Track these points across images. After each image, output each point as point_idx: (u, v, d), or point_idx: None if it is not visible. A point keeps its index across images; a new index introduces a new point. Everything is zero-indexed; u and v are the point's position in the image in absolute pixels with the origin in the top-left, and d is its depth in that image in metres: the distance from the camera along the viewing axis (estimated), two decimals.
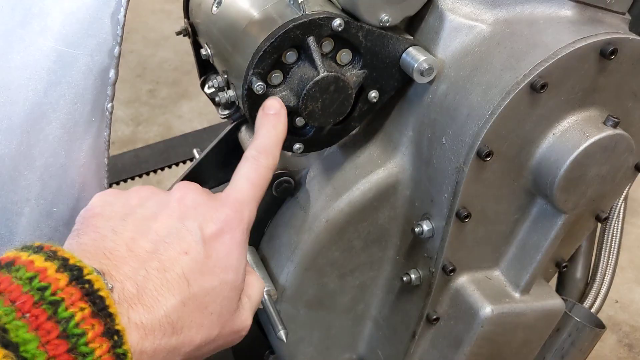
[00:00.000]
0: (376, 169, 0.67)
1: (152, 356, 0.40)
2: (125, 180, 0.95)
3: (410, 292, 0.71)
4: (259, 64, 0.56)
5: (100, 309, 0.35)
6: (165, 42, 2.75)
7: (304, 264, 0.69)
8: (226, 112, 0.79)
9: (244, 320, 0.49)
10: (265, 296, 0.69)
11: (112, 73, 0.49)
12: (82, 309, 0.34)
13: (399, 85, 0.62)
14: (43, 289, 0.34)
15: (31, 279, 0.35)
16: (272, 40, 0.55)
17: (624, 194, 0.89)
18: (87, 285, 0.35)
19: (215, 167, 0.86)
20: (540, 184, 0.60)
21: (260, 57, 0.55)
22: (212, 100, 0.81)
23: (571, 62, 0.55)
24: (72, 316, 0.34)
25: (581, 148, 0.56)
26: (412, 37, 0.61)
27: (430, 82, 0.61)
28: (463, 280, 0.67)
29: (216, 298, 0.45)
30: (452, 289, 0.68)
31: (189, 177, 0.84)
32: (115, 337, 0.35)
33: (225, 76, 0.62)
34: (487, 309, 0.65)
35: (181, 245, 0.44)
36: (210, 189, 0.88)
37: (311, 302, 0.73)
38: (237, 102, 0.62)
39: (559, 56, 0.54)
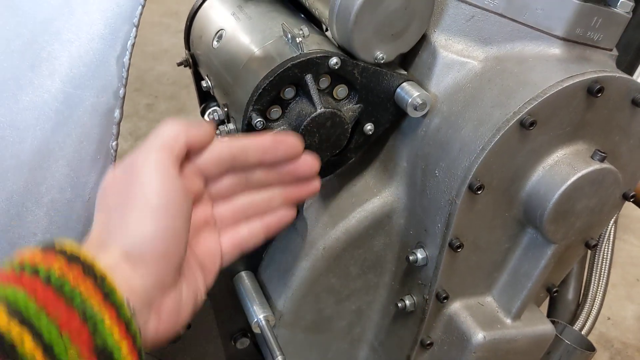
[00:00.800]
0: (372, 198, 0.69)
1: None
2: None
3: (405, 318, 0.72)
4: (258, 101, 0.58)
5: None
6: (163, 56, 2.77)
7: (302, 290, 0.71)
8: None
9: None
10: (264, 321, 0.70)
11: (117, 113, 0.51)
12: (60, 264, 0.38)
13: (393, 118, 0.64)
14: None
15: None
16: (271, 78, 0.57)
17: (614, 217, 0.91)
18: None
19: None
20: (530, 216, 0.62)
21: (260, 94, 0.57)
22: None
23: (559, 100, 0.57)
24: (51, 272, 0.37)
25: (570, 182, 0.58)
26: (406, 72, 0.63)
27: (424, 116, 0.63)
28: (456, 306, 0.69)
29: None
30: (446, 315, 0.69)
31: None
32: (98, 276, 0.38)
33: (226, 109, 0.64)
34: (479, 335, 0.67)
35: None
36: None
37: (308, 327, 0.75)
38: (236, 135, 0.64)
39: (548, 94, 0.56)
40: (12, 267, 0.38)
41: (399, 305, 0.70)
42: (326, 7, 0.59)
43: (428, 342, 0.70)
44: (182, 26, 0.78)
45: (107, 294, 0.38)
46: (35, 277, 0.37)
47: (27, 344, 0.33)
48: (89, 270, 0.38)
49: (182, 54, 0.83)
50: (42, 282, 0.36)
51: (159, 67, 2.68)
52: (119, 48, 0.50)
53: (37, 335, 0.34)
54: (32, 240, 0.52)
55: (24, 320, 0.34)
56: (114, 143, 0.52)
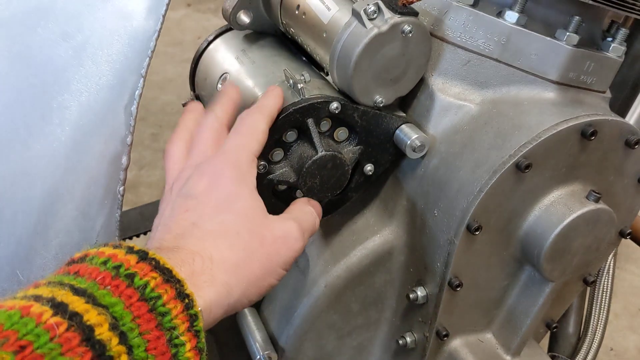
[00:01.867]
0: (372, 236, 0.70)
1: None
2: (130, 238, 0.98)
3: (406, 354, 0.73)
4: None
5: (170, 277, 0.40)
6: (168, 85, 2.80)
7: (303, 326, 0.72)
8: None
9: (282, 226, 0.53)
10: (266, 359, 0.71)
11: (124, 159, 0.53)
12: (154, 278, 0.39)
13: (393, 159, 0.66)
14: (117, 267, 0.39)
15: (105, 262, 0.40)
16: (273, 123, 0.58)
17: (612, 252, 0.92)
18: (153, 262, 0.40)
19: None
20: (527, 254, 0.63)
21: None
22: None
23: (554, 143, 0.58)
24: (146, 284, 0.39)
25: (566, 222, 0.60)
26: (404, 114, 0.65)
27: (423, 157, 0.65)
28: (456, 343, 0.70)
29: (235, 224, 0.50)
30: (446, 352, 0.70)
31: None
32: (187, 300, 0.40)
33: None
34: None
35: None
36: None
37: None
38: None
39: (542, 138, 0.58)
40: (101, 263, 0.40)
41: (400, 342, 0.71)
42: (326, 53, 0.61)
43: None
44: (187, 56, 0.80)
45: (192, 316, 0.40)
46: (130, 286, 0.38)
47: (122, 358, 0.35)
48: (180, 294, 0.40)
49: (186, 83, 0.85)
50: (137, 294, 0.38)
51: (163, 96, 2.71)
52: (126, 97, 0.51)
53: (129, 351, 0.36)
54: None
55: (122, 335, 0.36)
56: (121, 188, 0.53)
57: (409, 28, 0.58)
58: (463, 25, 0.62)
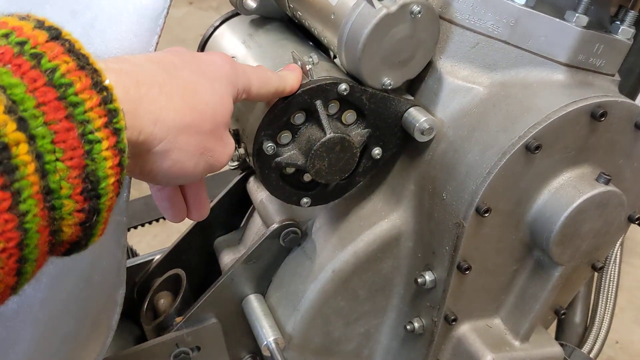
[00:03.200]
0: (380, 221, 0.70)
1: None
2: (135, 227, 0.98)
3: (413, 340, 0.73)
4: (269, 126, 0.59)
5: (86, 64, 0.34)
6: None
7: (310, 312, 0.72)
8: (235, 163, 0.82)
9: (225, 138, 0.47)
10: (273, 344, 0.71)
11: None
12: (66, 62, 0.33)
13: (401, 143, 0.66)
14: (22, 43, 0.32)
15: (7, 35, 0.33)
16: (281, 104, 0.58)
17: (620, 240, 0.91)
18: (67, 44, 0.34)
19: (224, 215, 0.89)
20: (536, 238, 0.63)
21: (270, 120, 0.59)
22: None
23: (563, 124, 0.58)
24: (56, 67, 0.32)
25: (575, 204, 0.59)
26: (412, 98, 0.65)
27: (431, 140, 0.64)
28: (465, 328, 0.70)
29: (197, 86, 0.44)
30: (454, 337, 0.70)
31: (199, 225, 0.87)
32: (105, 93, 0.34)
33: (236, 135, 0.66)
34: (488, 357, 0.67)
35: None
36: (218, 236, 0.91)
37: (317, 349, 0.75)
38: (247, 159, 0.65)
39: (552, 119, 0.57)
40: (1, 36, 0.33)
41: (408, 327, 0.71)
42: (334, 35, 0.61)
43: None
44: None
45: (111, 112, 0.34)
46: (36, 68, 0.32)
47: (21, 148, 0.30)
48: (97, 84, 0.34)
49: None
50: (44, 78, 0.32)
51: None
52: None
53: (31, 141, 0.31)
54: None
55: (20, 121, 0.30)
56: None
57: (418, 9, 0.57)
58: (472, 7, 0.61)
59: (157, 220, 0.99)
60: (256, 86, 0.52)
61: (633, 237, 1.77)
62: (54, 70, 0.32)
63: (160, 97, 0.40)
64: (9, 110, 0.29)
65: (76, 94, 0.32)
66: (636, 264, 1.71)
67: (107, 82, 0.34)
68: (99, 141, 0.33)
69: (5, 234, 0.29)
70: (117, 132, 0.34)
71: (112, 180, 0.34)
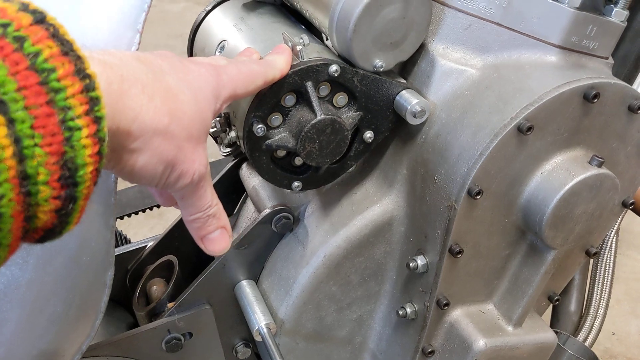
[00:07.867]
0: (372, 206, 0.70)
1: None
2: (129, 215, 0.97)
3: (406, 326, 0.73)
4: (259, 108, 0.59)
5: (70, 50, 0.33)
6: None
7: (303, 297, 0.71)
8: (227, 149, 0.82)
9: (197, 154, 0.46)
10: (265, 329, 0.71)
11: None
12: (50, 47, 0.33)
13: (393, 126, 0.65)
14: (5, 25, 0.32)
15: None
16: (271, 85, 0.58)
17: (614, 227, 0.91)
18: (51, 29, 0.33)
19: None
20: (529, 221, 0.62)
21: (260, 101, 0.58)
22: (214, 138, 0.84)
23: (556, 105, 0.58)
24: (39, 52, 0.32)
25: (568, 187, 0.59)
26: (405, 81, 0.64)
27: (423, 123, 0.64)
28: (457, 313, 0.69)
29: (179, 94, 0.43)
30: (447, 322, 0.69)
31: None
32: (87, 80, 0.33)
33: (223, 118, 0.65)
34: (480, 343, 0.67)
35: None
36: None
37: (310, 335, 0.75)
38: (238, 143, 0.64)
39: (544, 100, 0.57)
40: None
41: (400, 313, 0.70)
42: (326, 17, 0.60)
43: (429, 350, 0.70)
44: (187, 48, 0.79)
45: (93, 100, 0.34)
46: (18, 51, 0.31)
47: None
48: (80, 71, 0.33)
49: None
50: (27, 62, 0.32)
51: None
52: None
53: (10, 125, 0.30)
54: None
55: (1, 102, 0.30)
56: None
57: None
58: None
59: (150, 209, 0.98)
60: (242, 88, 0.51)
61: (630, 229, 1.76)
62: (36, 54, 0.32)
63: (142, 95, 0.40)
64: None
65: (58, 80, 0.32)
66: (633, 255, 1.71)
67: (90, 70, 0.34)
68: (79, 128, 0.33)
69: None
70: (97, 120, 0.34)
71: (90, 168, 0.34)
